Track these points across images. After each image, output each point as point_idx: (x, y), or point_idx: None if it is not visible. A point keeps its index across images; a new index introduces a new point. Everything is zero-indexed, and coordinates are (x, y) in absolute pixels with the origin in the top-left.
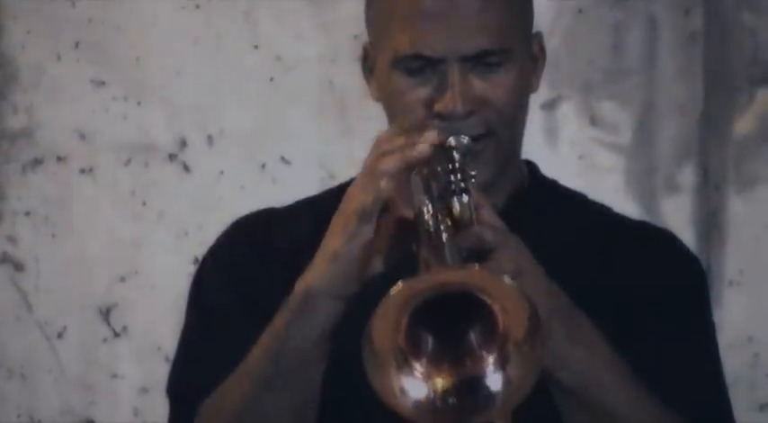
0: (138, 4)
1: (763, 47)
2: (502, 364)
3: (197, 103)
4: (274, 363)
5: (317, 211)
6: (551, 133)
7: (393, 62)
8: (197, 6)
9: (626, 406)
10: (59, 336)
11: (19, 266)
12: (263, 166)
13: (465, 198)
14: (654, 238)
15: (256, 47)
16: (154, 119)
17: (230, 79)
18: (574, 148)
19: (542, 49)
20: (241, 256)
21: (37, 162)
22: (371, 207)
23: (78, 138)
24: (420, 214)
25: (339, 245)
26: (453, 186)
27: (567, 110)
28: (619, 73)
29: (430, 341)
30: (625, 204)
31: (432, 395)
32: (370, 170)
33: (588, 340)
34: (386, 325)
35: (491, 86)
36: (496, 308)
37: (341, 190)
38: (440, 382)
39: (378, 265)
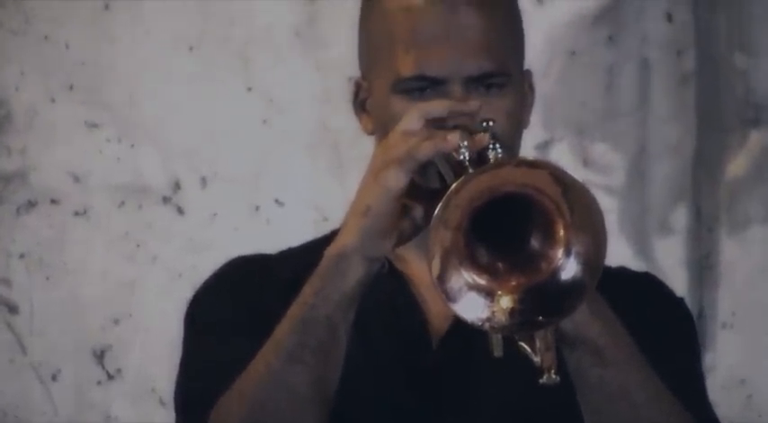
0: (132, 46)
1: (756, 88)
2: (568, 248)
3: (190, 145)
4: (302, 332)
5: (316, 252)
6: None
7: (394, 85)
8: (190, 49)
9: (642, 389)
10: (53, 378)
11: (13, 309)
12: (257, 208)
13: (499, 150)
14: (637, 283)
15: (249, 89)
16: (147, 161)
17: (224, 121)
18: None
19: (531, 87)
20: (241, 284)
21: (31, 204)
22: (406, 156)
23: (72, 180)
24: (461, 163)
25: (371, 197)
26: (489, 143)
27: (560, 151)
28: (612, 114)
29: (490, 255)
30: (618, 246)
31: (510, 308)
32: (405, 126)
33: (608, 320)
34: (455, 215)
35: (491, 109)
36: (544, 201)
37: (333, 235)
38: (510, 296)
39: (407, 227)
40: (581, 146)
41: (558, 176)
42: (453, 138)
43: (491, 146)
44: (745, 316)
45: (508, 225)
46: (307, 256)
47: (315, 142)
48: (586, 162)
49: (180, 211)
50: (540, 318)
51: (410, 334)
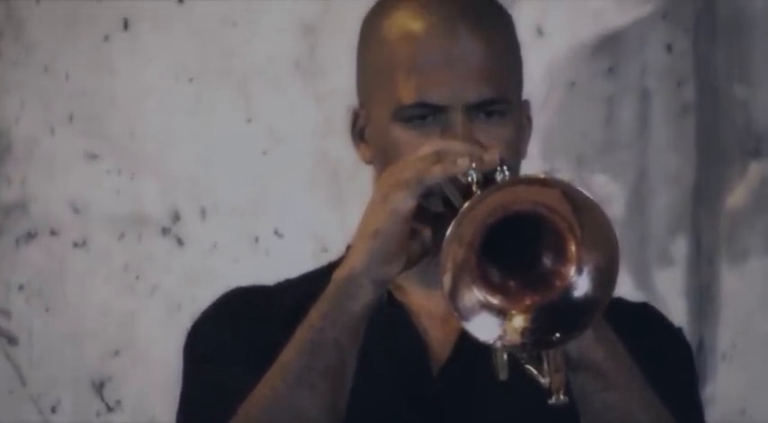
0: (132, 77)
1: (756, 119)
2: (580, 266)
3: (190, 176)
4: (310, 355)
5: (315, 282)
6: None
7: (395, 113)
8: (190, 80)
9: (644, 413)
10: (53, 410)
11: (12, 340)
12: (257, 239)
13: (507, 173)
14: (636, 313)
15: (249, 120)
16: (147, 192)
17: (223, 152)
18: None
19: (529, 118)
20: (239, 314)
21: (30, 235)
22: (415, 180)
23: (72, 211)
24: (469, 185)
25: (380, 220)
26: (497, 165)
27: None
28: (611, 145)
29: (502, 273)
30: (618, 276)
31: (526, 326)
32: (416, 155)
33: (611, 344)
34: (468, 232)
35: (491, 138)
36: (555, 220)
37: (331, 267)
38: (523, 315)
39: (415, 250)
40: (581, 177)
41: (570, 194)
42: (463, 161)
43: (499, 168)
44: (746, 347)
45: (519, 243)
46: (305, 287)
47: (314, 173)
48: None
49: (179, 242)
50: (554, 336)
51: (410, 361)
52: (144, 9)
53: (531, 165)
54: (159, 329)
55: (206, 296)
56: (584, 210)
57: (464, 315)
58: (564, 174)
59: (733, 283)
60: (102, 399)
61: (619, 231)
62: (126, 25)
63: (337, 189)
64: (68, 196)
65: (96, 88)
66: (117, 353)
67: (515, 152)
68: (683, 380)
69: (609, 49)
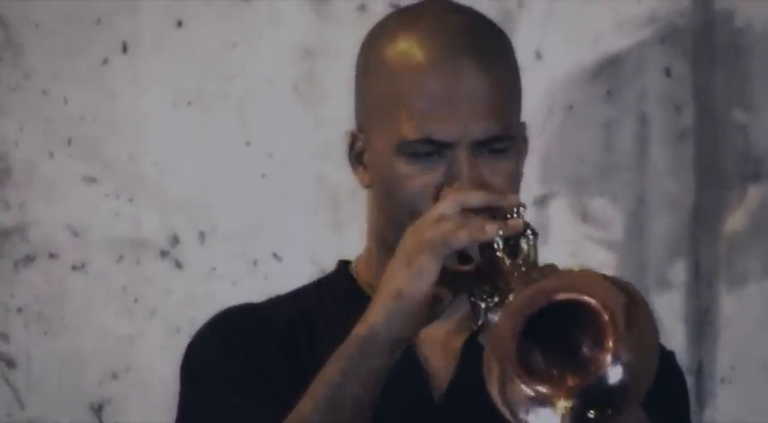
0: (130, 101)
1: (754, 143)
2: (616, 356)
3: (189, 200)
4: (329, 412)
5: (307, 298)
6: (543, 230)
7: (398, 147)
8: (189, 103)
9: None
10: None
11: (11, 363)
12: (255, 262)
13: (532, 238)
14: None
15: (248, 143)
16: (146, 215)
17: (222, 176)
18: (566, 244)
19: (526, 139)
20: (235, 334)
21: (29, 259)
22: (440, 243)
23: (71, 234)
24: (492, 249)
25: (403, 281)
26: (522, 230)
27: (558, 206)
28: (610, 169)
29: (543, 361)
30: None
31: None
32: (441, 212)
33: None
34: (508, 330)
35: (495, 173)
36: (599, 308)
37: (320, 283)
38: (565, 401)
39: (438, 311)
40: (579, 201)
41: (621, 288)
42: (491, 229)
43: (524, 233)
44: (745, 371)
45: (556, 322)
46: (296, 304)
47: (313, 197)
48: (585, 217)
49: (178, 265)
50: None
51: (412, 390)
52: (143, 33)
53: (529, 188)
54: (158, 352)
55: (205, 319)
56: (632, 306)
57: (513, 411)
58: (562, 197)
59: (732, 306)
60: (101, 421)
61: (617, 256)
62: (125, 49)
63: (336, 212)
64: (67, 220)
65: (95, 112)
66: (116, 376)
67: (517, 184)
68: (676, 405)
69: (607, 72)
